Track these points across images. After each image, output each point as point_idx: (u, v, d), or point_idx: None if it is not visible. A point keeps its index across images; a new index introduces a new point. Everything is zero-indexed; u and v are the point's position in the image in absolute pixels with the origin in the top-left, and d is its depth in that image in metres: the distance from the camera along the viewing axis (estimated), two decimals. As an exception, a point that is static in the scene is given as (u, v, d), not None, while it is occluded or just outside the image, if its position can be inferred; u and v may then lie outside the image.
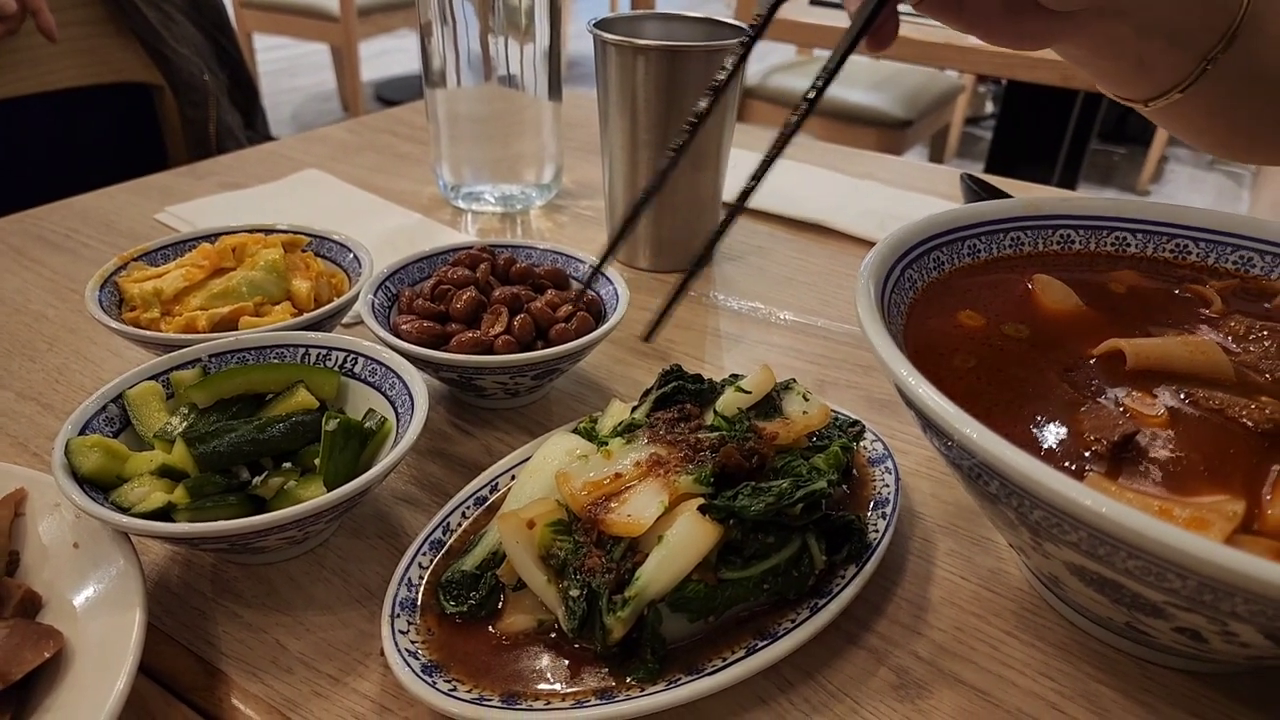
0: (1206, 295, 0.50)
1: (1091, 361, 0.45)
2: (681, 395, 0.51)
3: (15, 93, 1.19)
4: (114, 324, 0.56)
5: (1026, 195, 0.58)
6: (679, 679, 0.39)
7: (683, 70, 0.73)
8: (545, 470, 0.47)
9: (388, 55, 4.98)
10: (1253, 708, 0.41)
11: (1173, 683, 0.43)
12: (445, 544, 0.47)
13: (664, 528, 0.40)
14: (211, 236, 0.66)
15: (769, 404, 0.49)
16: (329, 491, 0.43)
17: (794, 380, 0.51)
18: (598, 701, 0.38)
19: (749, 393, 0.49)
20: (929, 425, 0.39)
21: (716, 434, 0.46)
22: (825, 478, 0.44)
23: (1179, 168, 3.98)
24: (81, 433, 0.45)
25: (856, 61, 2.90)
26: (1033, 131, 2.34)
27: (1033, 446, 0.40)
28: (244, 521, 0.40)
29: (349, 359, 0.54)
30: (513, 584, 0.44)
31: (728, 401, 0.49)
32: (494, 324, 0.59)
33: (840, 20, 2.05)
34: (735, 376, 0.52)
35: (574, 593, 0.40)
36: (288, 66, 4.88)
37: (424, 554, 0.46)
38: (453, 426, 0.61)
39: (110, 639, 0.38)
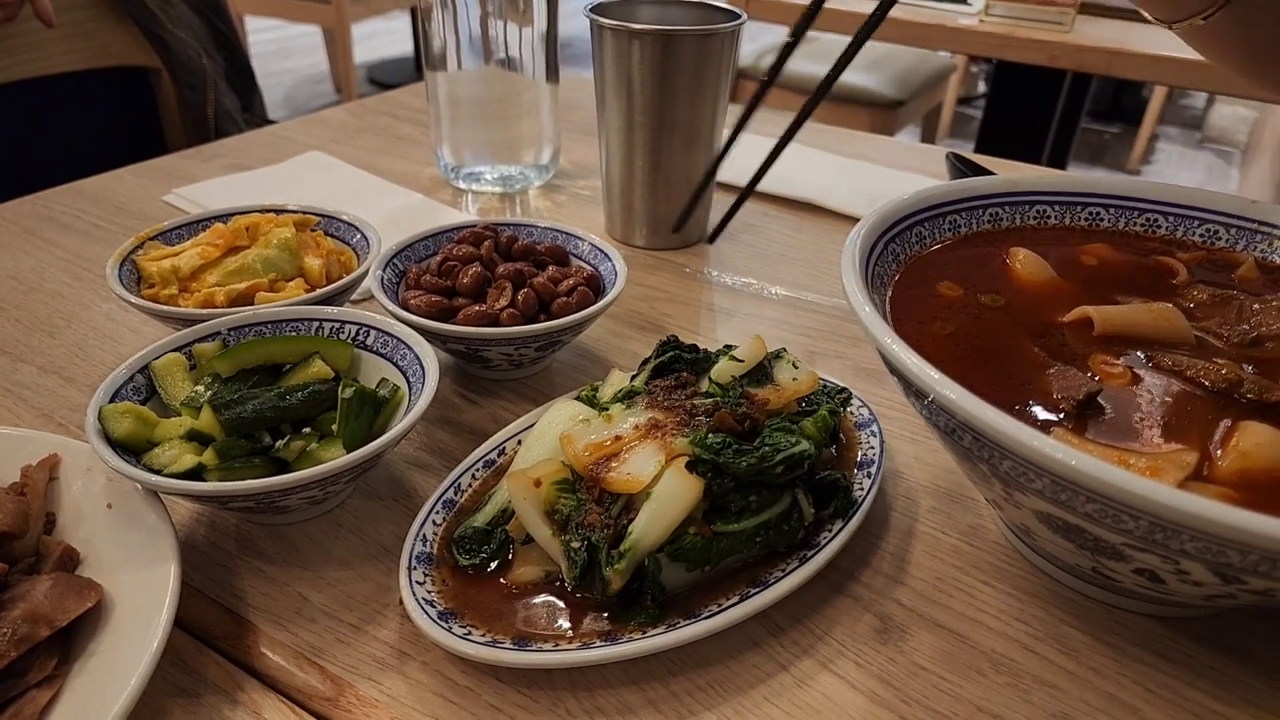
0: (1173, 266, 0.53)
1: (1062, 328, 0.48)
2: (678, 364, 0.53)
3: (12, 77, 1.20)
4: (136, 300, 0.59)
5: (1007, 174, 0.61)
6: (677, 623, 0.43)
7: (677, 54, 0.76)
8: (550, 434, 0.49)
9: (378, 37, 4.96)
10: (1210, 647, 0.45)
11: (1138, 625, 0.46)
12: (457, 503, 0.50)
13: (656, 484, 0.43)
14: (225, 216, 0.68)
15: (761, 372, 0.52)
16: (348, 454, 0.45)
17: (784, 350, 0.54)
18: (602, 643, 0.42)
19: (742, 361, 0.52)
20: (910, 388, 0.42)
21: (711, 400, 0.49)
22: (808, 441, 0.46)
23: (1169, 146, 4.01)
24: (111, 400, 0.48)
25: (848, 41, 2.91)
26: (1022, 111, 2.36)
27: (1005, 406, 0.42)
28: (272, 480, 0.43)
29: (361, 331, 0.57)
30: (521, 538, 0.47)
31: (722, 370, 0.52)
32: (499, 298, 0.62)
33: (835, 3, 2.06)
34: (729, 346, 0.55)
35: (575, 545, 0.42)
36: (279, 49, 4.86)
37: (437, 512, 0.49)
38: (459, 396, 0.64)
39: (146, 592, 0.41)
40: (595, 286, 0.66)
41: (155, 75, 1.38)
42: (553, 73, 0.96)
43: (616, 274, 0.66)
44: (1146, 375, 0.43)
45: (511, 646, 0.41)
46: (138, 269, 0.64)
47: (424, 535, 0.47)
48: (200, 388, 0.50)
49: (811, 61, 2.65)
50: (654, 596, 0.43)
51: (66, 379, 0.64)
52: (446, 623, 0.42)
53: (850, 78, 2.59)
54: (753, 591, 0.44)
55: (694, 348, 0.55)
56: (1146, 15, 0.64)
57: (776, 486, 0.46)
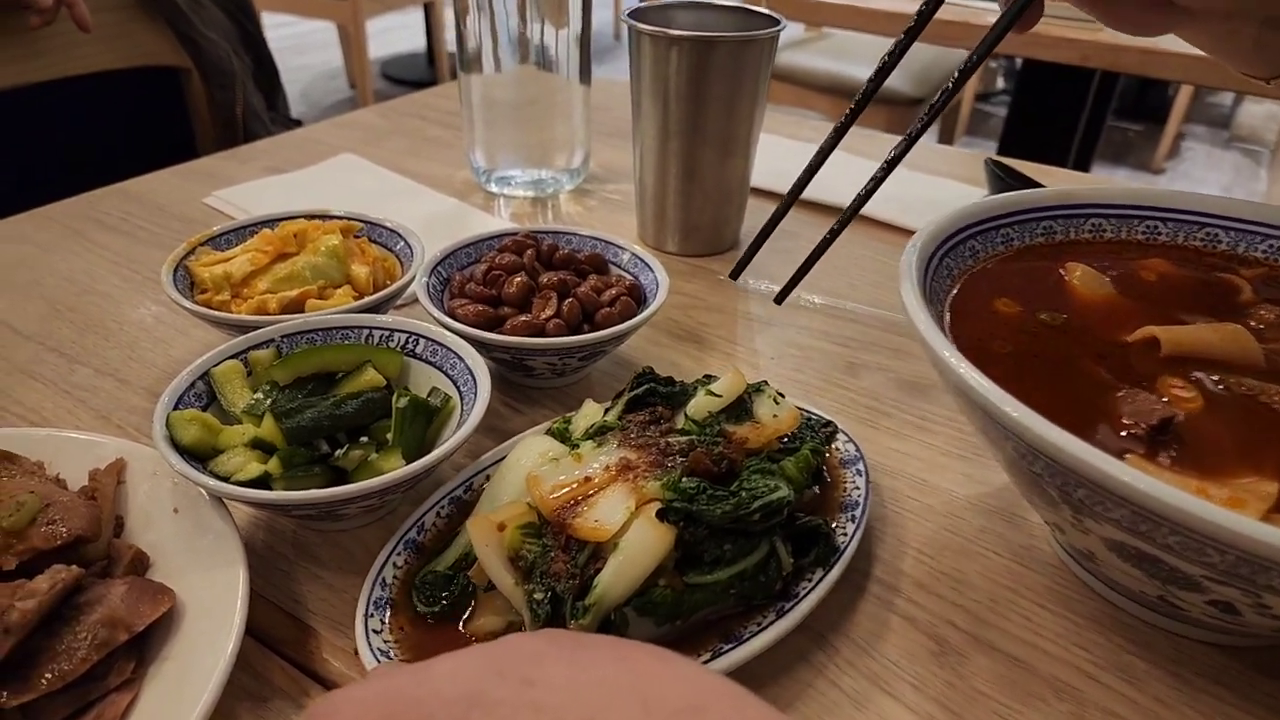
0: (1237, 284, 0.52)
1: (1126, 348, 0.48)
2: (653, 398, 0.51)
3: (47, 76, 1.21)
4: (192, 306, 0.59)
5: (1056, 184, 0.60)
6: None
7: (714, 60, 0.75)
8: (517, 472, 0.47)
9: (392, 32, 4.96)
10: (1275, 678, 0.44)
11: (1201, 655, 0.45)
12: (420, 544, 0.47)
13: (625, 533, 0.41)
14: (272, 222, 0.69)
15: (740, 407, 0.50)
16: (407, 464, 0.46)
17: (765, 383, 0.52)
18: None
19: (720, 396, 0.49)
20: (976, 410, 0.42)
21: (686, 438, 0.46)
22: (790, 486, 0.44)
23: (1196, 145, 3.96)
24: (176, 407, 0.48)
25: (863, 39, 2.88)
26: (1049, 110, 2.33)
27: (1072, 429, 0.42)
28: (338, 490, 0.43)
29: (411, 340, 0.57)
30: (484, 585, 0.44)
31: (698, 405, 0.49)
32: (544, 308, 0.62)
33: (865, 1, 2.05)
34: (708, 378, 0.52)
35: (538, 596, 0.40)
36: (294, 44, 4.88)
37: (398, 554, 0.46)
38: (502, 404, 0.64)
39: (216, 596, 0.41)
40: (637, 296, 0.66)
41: (185, 75, 1.38)
42: (585, 74, 0.96)
43: (658, 284, 0.66)
44: (1218, 400, 0.43)
45: None
46: (190, 274, 0.64)
47: (383, 579, 0.44)
48: (260, 395, 0.51)
49: (826, 58, 2.63)
50: None
51: (122, 381, 0.64)
52: None
53: (865, 73, 2.56)
54: (726, 648, 0.41)
55: (670, 380, 0.53)
56: (1234, 71, 0.63)
57: (753, 534, 0.43)
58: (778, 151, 1.08)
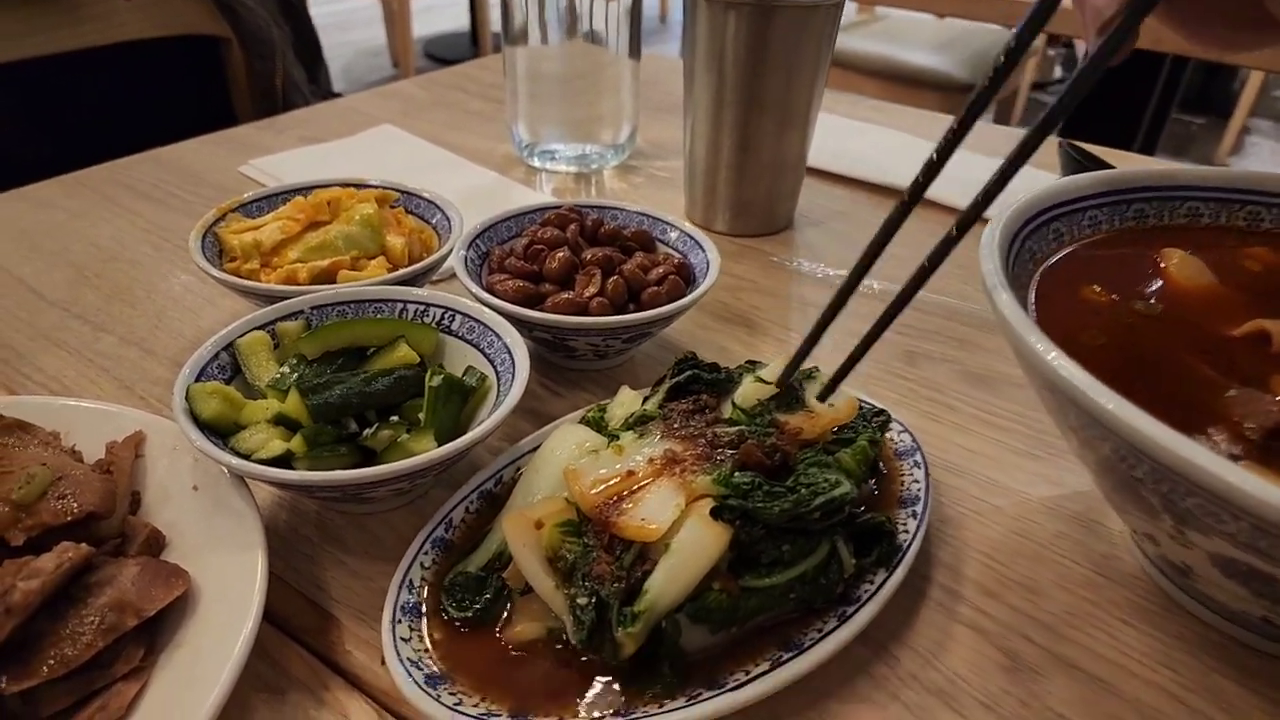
0: (1353, 276, 0.47)
1: (1232, 343, 0.43)
2: (697, 384, 0.47)
3: (87, 44, 1.20)
4: (219, 274, 0.57)
5: (1152, 166, 0.55)
6: (699, 694, 0.36)
7: (774, 28, 0.71)
8: (553, 464, 0.44)
9: (436, 10, 4.95)
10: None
11: (1297, 677, 0.41)
12: (449, 541, 0.44)
13: (676, 533, 0.38)
14: (305, 190, 0.66)
15: (791, 395, 0.46)
16: (439, 446, 0.42)
17: (817, 369, 0.48)
18: (613, 719, 0.36)
19: (770, 383, 0.46)
20: (1067, 405, 0.37)
21: (736, 429, 0.43)
22: (850, 480, 0.40)
23: (1261, 140, 3.80)
24: (198, 379, 0.46)
25: (919, 19, 2.79)
26: (1114, 98, 2.24)
27: (1177, 431, 0.38)
28: (365, 471, 0.40)
29: (447, 315, 0.54)
30: (520, 588, 0.41)
31: (746, 393, 0.46)
32: (588, 285, 0.58)
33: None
34: (753, 364, 0.49)
35: (581, 600, 0.37)
36: (339, 21, 4.89)
37: (425, 553, 0.43)
38: (541, 386, 0.61)
39: (233, 580, 0.39)
40: (686, 276, 0.62)
41: (225, 45, 1.37)
42: (635, 47, 0.92)
43: (709, 264, 0.62)
44: (1344, 402, 0.38)
45: None
46: (219, 241, 0.62)
47: (410, 581, 0.41)
48: (286, 369, 0.48)
49: (878, 42, 2.55)
50: (673, 663, 0.37)
51: (147, 350, 0.62)
52: (434, 688, 0.36)
53: (918, 57, 2.49)
54: (786, 656, 0.38)
55: (714, 366, 0.49)
56: None
57: (813, 533, 0.40)
58: (835, 131, 1.03)
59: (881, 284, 0.74)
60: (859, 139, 1.02)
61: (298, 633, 0.42)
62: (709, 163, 0.80)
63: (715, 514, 0.38)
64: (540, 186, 0.93)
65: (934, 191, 0.90)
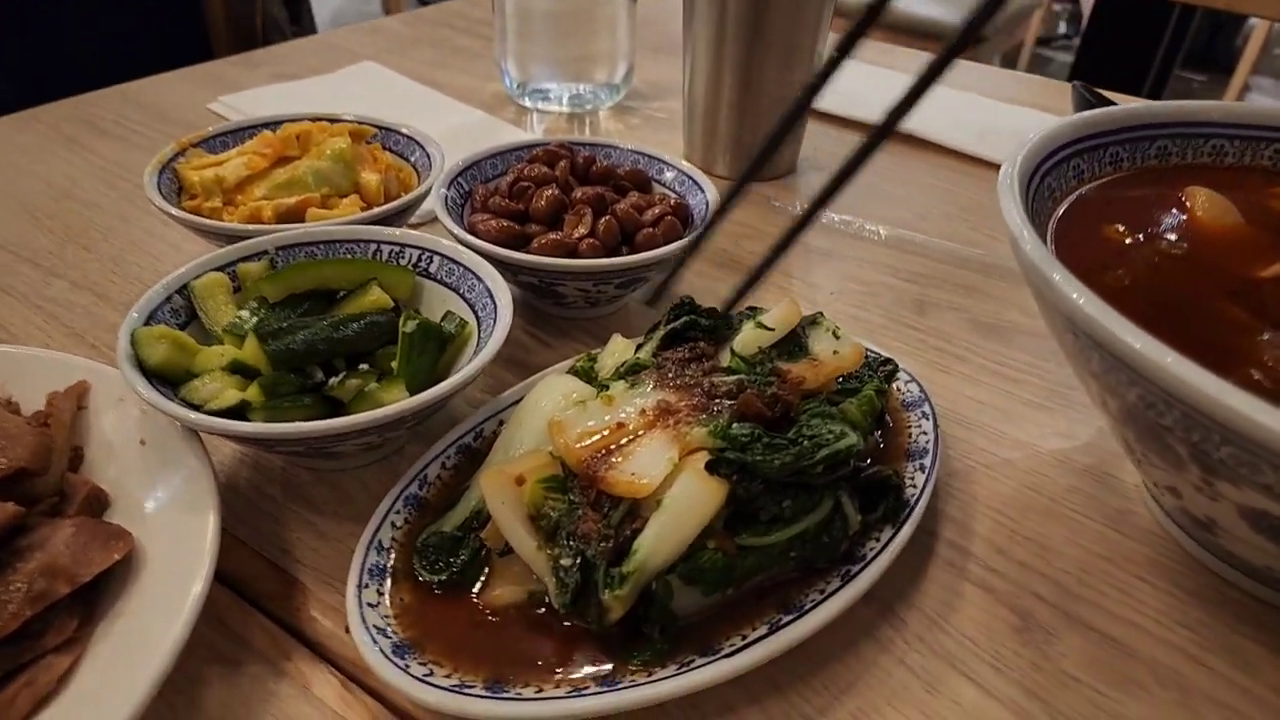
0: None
1: (1261, 285, 0.40)
2: (694, 331, 0.44)
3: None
4: (175, 212, 0.53)
5: (1176, 102, 0.51)
6: (691, 661, 0.34)
7: (780, -45, 0.66)
8: (537, 416, 0.41)
9: (429, -44, 4.79)
10: None
11: (1320, 637, 0.39)
12: (422, 499, 0.41)
13: (668, 488, 0.35)
14: (274, 124, 0.62)
15: (793, 342, 0.43)
16: (411, 396, 0.39)
17: (821, 314, 0.46)
18: (598, 689, 0.33)
19: (771, 329, 0.43)
20: (1092, 348, 0.34)
21: (734, 378, 0.40)
22: (856, 432, 0.38)
23: (1262, 98, 3.75)
24: (147, 323, 0.42)
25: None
26: (1121, 49, 2.18)
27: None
28: (326, 424, 0.37)
29: (424, 257, 0.50)
30: (499, 549, 0.38)
31: (746, 340, 0.43)
32: (577, 225, 0.55)
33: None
34: (754, 310, 0.46)
35: (565, 562, 0.34)
36: (327, -36, 4.73)
37: (397, 512, 0.40)
38: (528, 335, 0.57)
39: (183, 541, 0.36)
40: (683, 217, 0.58)
41: (201, -20, 1.31)
42: (631, -19, 0.87)
43: (707, 205, 0.58)
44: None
45: (483, 692, 0.33)
46: (179, 178, 0.58)
47: (379, 542, 0.38)
48: (245, 313, 0.44)
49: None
50: (663, 627, 0.35)
51: (101, 296, 0.59)
52: (403, 658, 0.34)
53: (922, 9, 2.41)
54: (785, 619, 0.35)
55: (712, 311, 0.45)
56: None
57: (815, 488, 0.37)
58: (841, 74, 0.98)
59: (888, 229, 0.71)
60: (865, 83, 0.97)
61: (258, 599, 0.39)
62: (709, 102, 0.76)
63: (711, 468, 0.35)
64: (531, 127, 0.88)
65: (934, 132, 0.88)
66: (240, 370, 0.41)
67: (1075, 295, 0.33)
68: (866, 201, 0.75)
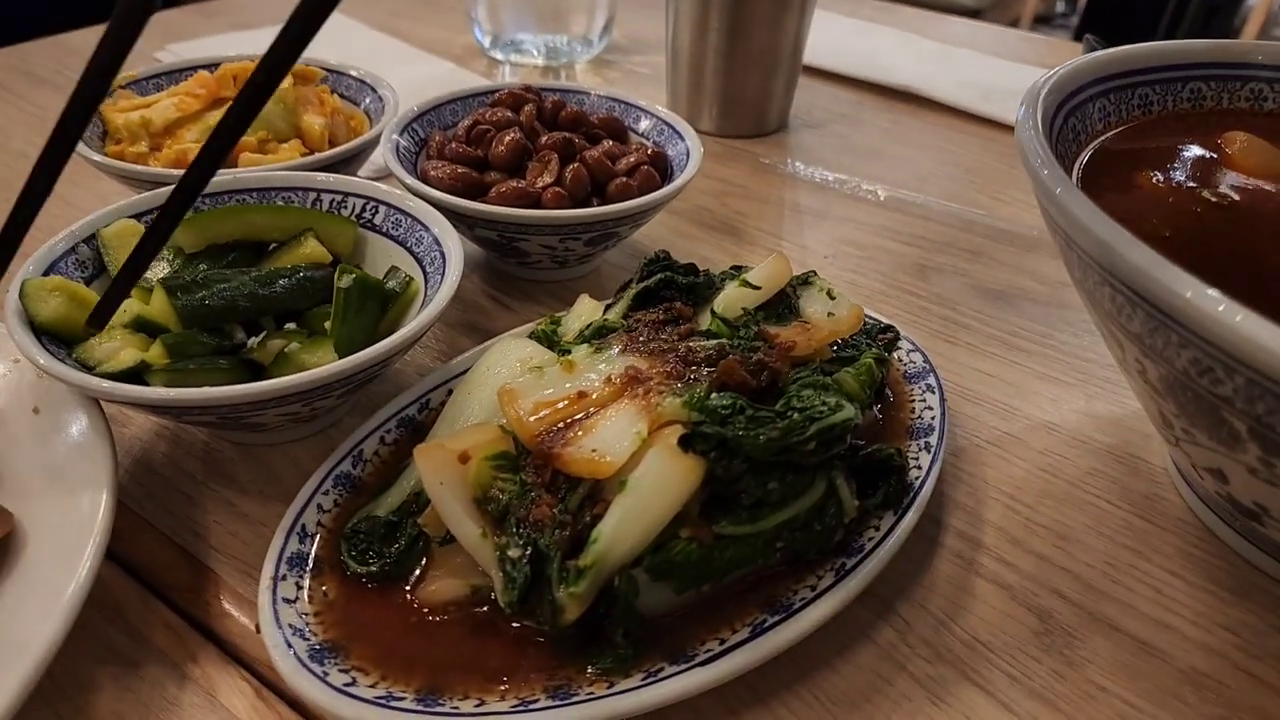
0: None
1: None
2: (669, 290, 0.39)
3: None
4: (95, 156, 0.47)
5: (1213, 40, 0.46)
6: (660, 670, 0.29)
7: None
8: (489, 384, 0.36)
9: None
10: None
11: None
12: (356, 479, 0.36)
13: (635, 467, 0.30)
14: (211, 65, 0.56)
15: (783, 304, 0.38)
16: (340, 359, 0.34)
17: (814, 273, 0.40)
18: (549, 702, 0.28)
19: (757, 288, 0.38)
20: (1137, 306, 0.29)
21: (714, 342, 0.35)
22: (853, 405, 0.33)
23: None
24: (46, 275, 0.37)
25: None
26: (1120, 28, 2.13)
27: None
28: (235, 390, 0.31)
29: (368, 207, 0.45)
30: (439, 537, 0.33)
31: (730, 300, 0.38)
32: (542, 173, 0.49)
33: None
34: (738, 269, 0.40)
35: (514, 553, 0.30)
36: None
37: (325, 493, 0.35)
38: (488, 298, 0.52)
39: (73, 522, 0.31)
40: (661, 167, 0.53)
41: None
42: (611, -75, 0.81)
43: (688, 155, 0.53)
44: None
45: (413, 706, 0.28)
46: (103, 121, 0.52)
47: (302, 526, 0.33)
48: (157, 264, 0.39)
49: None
50: (627, 630, 0.30)
51: (22, 254, 0.52)
52: (321, 664, 0.29)
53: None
54: (770, 621, 0.31)
55: (691, 268, 0.40)
56: None
57: (806, 468, 0.32)
58: (836, 30, 0.92)
59: (887, 190, 0.65)
60: (861, 39, 0.91)
61: (163, 590, 0.34)
62: (694, 51, 0.70)
63: (685, 444, 0.30)
64: (503, 80, 0.82)
65: (935, 90, 0.82)
66: (146, 328, 0.36)
67: (1118, 241, 0.28)
68: (864, 161, 0.70)
